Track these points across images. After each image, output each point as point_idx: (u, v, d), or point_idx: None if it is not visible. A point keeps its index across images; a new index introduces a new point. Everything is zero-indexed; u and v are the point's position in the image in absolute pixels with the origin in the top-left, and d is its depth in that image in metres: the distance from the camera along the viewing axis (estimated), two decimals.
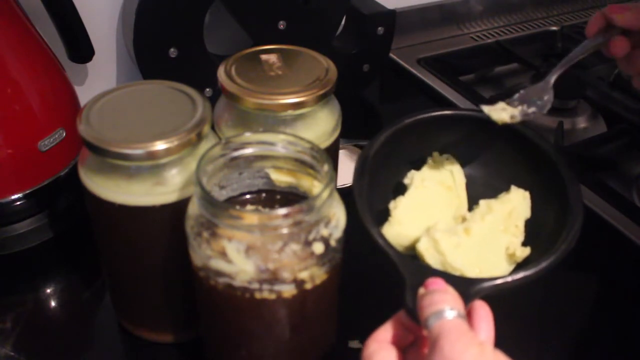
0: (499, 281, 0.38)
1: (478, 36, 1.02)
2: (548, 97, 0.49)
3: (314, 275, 0.37)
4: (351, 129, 0.62)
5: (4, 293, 0.55)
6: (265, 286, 0.36)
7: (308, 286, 0.37)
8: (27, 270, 0.57)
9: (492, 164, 0.51)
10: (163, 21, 0.65)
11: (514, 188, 0.48)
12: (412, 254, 0.45)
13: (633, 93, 0.84)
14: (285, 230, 0.35)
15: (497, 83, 0.94)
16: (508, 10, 1.08)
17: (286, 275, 0.36)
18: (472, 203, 0.49)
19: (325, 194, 0.36)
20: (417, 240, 0.44)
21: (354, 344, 0.51)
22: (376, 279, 0.55)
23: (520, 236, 0.46)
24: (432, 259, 0.43)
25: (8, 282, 0.56)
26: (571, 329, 0.55)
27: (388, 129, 0.49)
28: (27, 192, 0.57)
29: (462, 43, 0.99)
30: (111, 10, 0.72)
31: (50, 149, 0.57)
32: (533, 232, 0.47)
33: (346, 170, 0.70)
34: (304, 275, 0.37)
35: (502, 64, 0.96)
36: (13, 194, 0.56)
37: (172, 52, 0.67)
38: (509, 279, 0.38)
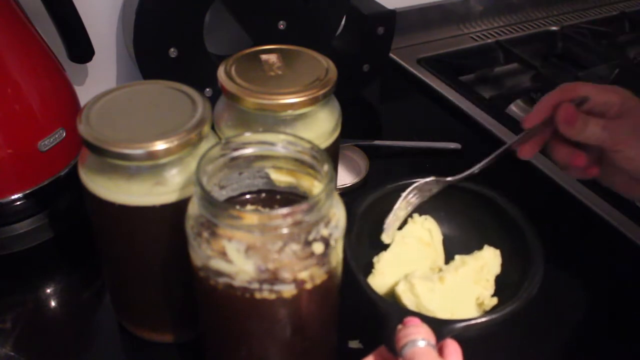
0: (469, 322, 0.43)
1: (478, 36, 1.02)
2: None
3: (314, 275, 0.37)
4: (351, 129, 0.62)
5: (4, 293, 0.55)
6: (265, 286, 0.36)
7: (308, 286, 0.37)
8: (27, 270, 0.57)
9: (469, 225, 0.55)
10: (163, 21, 0.65)
11: (486, 246, 0.52)
12: (393, 299, 0.49)
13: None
14: (285, 230, 0.35)
15: (497, 83, 0.94)
16: (508, 10, 1.08)
17: (286, 275, 0.36)
18: (449, 258, 0.53)
19: (325, 194, 0.36)
20: (396, 285, 0.49)
21: (354, 344, 0.51)
22: None
23: (490, 289, 0.50)
24: (408, 300, 0.48)
25: (8, 282, 0.56)
26: (570, 329, 0.55)
27: (373, 193, 0.54)
28: (27, 192, 0.57)
29: (462, 43, 0.99)
30: (111, 10, 0.72)
31: (50, 149, 0.57)
32: (501, 285, 0.51)
33: (346, 170, 0.70)
34: (304, 275, 0.37)
35: (502, 64, 0.96)
36: (13, 194, 0.56)
37: (172, 52, 0.67)
38: (478, 320, 0.43)
